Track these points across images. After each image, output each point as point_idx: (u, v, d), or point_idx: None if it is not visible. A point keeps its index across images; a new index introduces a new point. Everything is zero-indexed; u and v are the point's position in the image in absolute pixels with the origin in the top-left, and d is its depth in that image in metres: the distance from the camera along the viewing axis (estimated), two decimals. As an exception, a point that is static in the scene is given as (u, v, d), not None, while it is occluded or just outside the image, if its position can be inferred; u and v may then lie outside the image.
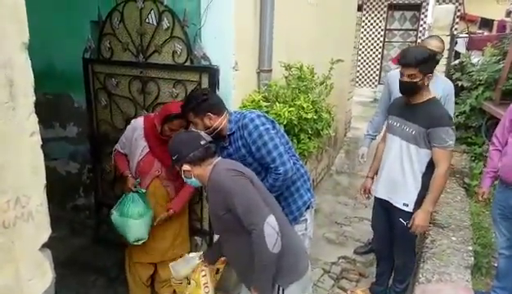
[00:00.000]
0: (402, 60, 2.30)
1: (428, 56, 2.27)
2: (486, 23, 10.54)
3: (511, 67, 5.06)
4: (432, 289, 2.40)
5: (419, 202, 2.42)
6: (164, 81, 2.72)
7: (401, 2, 11.25)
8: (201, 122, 2.09)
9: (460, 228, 3.15)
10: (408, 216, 2.45)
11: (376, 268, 2.98)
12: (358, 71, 11.29)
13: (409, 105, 2.43)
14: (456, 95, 3.17)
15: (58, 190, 3.46)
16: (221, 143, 2.17)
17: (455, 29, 9.27)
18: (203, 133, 2.04)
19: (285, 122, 2.56)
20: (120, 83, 2.92)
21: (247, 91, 2.71)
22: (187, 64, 2.59)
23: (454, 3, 9.98)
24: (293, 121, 2.63)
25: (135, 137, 2.47)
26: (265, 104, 2.62)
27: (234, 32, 2.49)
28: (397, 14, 11.48)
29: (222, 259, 2.15)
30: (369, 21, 11.72)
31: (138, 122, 2.49)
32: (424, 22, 10.75)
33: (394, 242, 2.68)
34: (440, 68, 4.61)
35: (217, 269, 2.17)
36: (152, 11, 2.61)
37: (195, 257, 2.16)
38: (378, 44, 11.86)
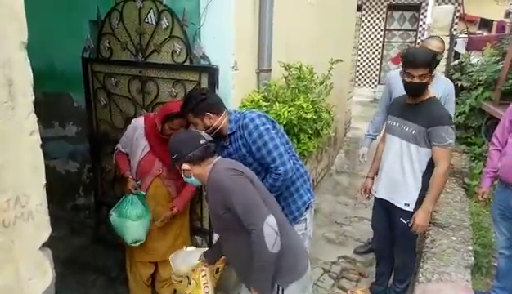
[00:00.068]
0: (414, 61, 2.26)
1: (433, 56, 2.30)
2: (485, 23, 10.55)
3: (510, 67, 5.07)
4: (432, 289, 2.40)
5: (419, 202, 2.43)
6: (164, 80, 2.72)
7: (400, 2, 11.26)
8: (201, 122, 2.08)
9: (460, 228, 3.15)
10: (409, 215, 2.45)
11: (376, 268, 2.98)
12: (358, 71, 11.29)
13: (409, 105, 2.43)
14: (456, 95, 3.17)
15: (58, 190, 3.46)
16: (221, 142, 2.17)
17: (455, 30, 9.28)
18: (203, 133, 2.04)
19: (284, 122, 2.56)
20: (119, 83, 2.92)
21: (246, 90, 2.71)
22: (187, 63, 2.59)
23: (453, 4, 9.98)
24: (292, 121, 2.63)
25: (136, 136, 2.47)
26: (264, 103, 2.62)
27: (233, 31, 2.48)
28: (397, 14, 11.48)
29: (222, 258, 2.15)
30: (368, 21, 11.72)
31: (139, 122, 2.49)
32: (424, 22, 10.76)
33: (395, 241, 2.68)
34: (440, 68, 4.60)
35: (217, 269, 2.17)
36: (151, 11, 2.61)
37: (194, 252, 2.18)
38: (377, 44, 11.86)
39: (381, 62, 11.94)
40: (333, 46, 4.51)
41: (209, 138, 2.05)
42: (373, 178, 2.81)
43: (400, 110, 2.50)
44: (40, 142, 1.09)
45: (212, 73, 2.52)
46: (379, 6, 11.57)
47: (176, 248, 2.59)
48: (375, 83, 11.87)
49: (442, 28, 6.30)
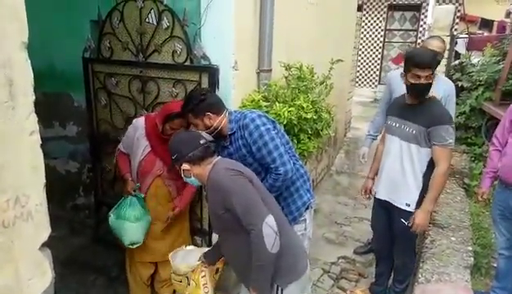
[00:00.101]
0: (421, 63, 2.24)
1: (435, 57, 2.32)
2: (486, 23, 10.54)
3: (511, 67, 5.06)
4: (431, 289, 2.40)
5: (420, 202, 2.43)
6: (164, 80, 2.72)
7: (401, 2, 11.25)
8: (202, 123, 2.08)
9: (460, 228, 3.15)
10: (410, 215, 2.45)
11: (376, 268, 2.98)
12: (358, 71, 11.29)
13: (409, 105, 2.43)
14: (456, 95, 3.17)
15: (58, 189, 3.46)
16: (221, 142, 2.17)
17: (455, 30, 9.27)
18: (204, 133, 2.04)
19: (284, 122, 2.56)
20: (120, 83, 2.92)
21: (247, 90, 2.71)
22: (187, 63, 2.59)
23: (454, 4, 9.97)
24: (292, 121, 2.63)
25: (137, 137, 2.47)
26: (265, 103, 2.62)
27: (234, 31, 2.48)
28: (397, 14, 11.47)
29: (222, 258, 2.15)
30: (369, 21, 11.72)
31: (140, 122, 2.50)
32: (424, 22, 10.75)
33: (395, 242, 2.68)
34: (440, 68, 4.61)
35: (217, 269, 2.17)
36: (152, 11, 2.61)
37: (193, 251, 2.18)
38: (378, 44, 11.85)
39: (381, 62, 11.93)
40: (333, 46, 4.51)
41: (210, 138, 2.06)
42: (373, 178, 2.81)
43: (399, 111, 2.49)
44: (40, 142, 1.09)
45: (212, 73, 2.52)
46: (379, 6, 11.56)
47: (176, 248, 2.60)
48: (376, 83, 11.87)
49: (442, 29, 6.30)
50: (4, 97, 0.97)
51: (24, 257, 1.08)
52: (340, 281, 3.21)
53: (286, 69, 2.97)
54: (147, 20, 2.65)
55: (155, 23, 2.62)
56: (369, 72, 12.23)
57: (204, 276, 2.05)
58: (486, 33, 9.62)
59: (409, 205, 2.47)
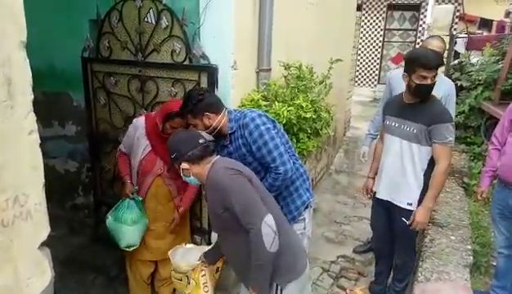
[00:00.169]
0: (428, 63, 2.24)
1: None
2: (485, 23, 10.53)
3: (510, 67, 5.06)
4: (431, 288, 2.40)
5: (421, 201, 2.43)
6: (163, 80, 2.72)
7: (400, 2, 11.26)
8: (201, 123, 2.08)
9: (459, 227, 3.15)
10: (411, 214, 2.45)
11: (375, 267, 2.99)
12: (358, 71, 11.29)
13: (408, 104, 2.43)
14: (456, 95, 3.17)
15: (57, 189, 3.46)
16: (221, 141, 2.17)
17: (455, 29, 9.28)
18: (204, 133, 2.04)
19: (284, 122, 2.56)
20: (119, 82, 2.92)
21: (246, 90, 2.71)
22: (186, 63, 2.59)
23: (453, 3, 9.99)
24: (292, 120, 2.63)
25: (137, 136, 2.47)
26: (264, 103, 2.62)
27: (233, 31, 2.48)
28: (397, 14, 11.48)
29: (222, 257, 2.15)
30: (368, 21, 11.72)
31: (140, 121, 2.50)
32: (424, 22, 10.76)
33: (395, 241, 2.68)
34: (440, 68, 4.61)
35: (217, 268, 2.17)
36: (151, 10, 2.61)
37: (193, 249, 2.19)
38: (377, 44, 11.87)
39: (381, 62, 11.95)
40: (333, 45, 4.51)
41: (210, 138, 2.05)
42: (374, 178, 2.81)
43: (398, 110, 2.49)
44: (39, 141, 1.09)
45: (211, 72, 2.52)
46: (379, 6, 11.57)
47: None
48: (375, 83, 11.88)
49: (441, 28, 6.32)
50: (3, 96, 0.97)
51: (24, 256, 1.08)
52: (340, 280, 3.21)
53: (286, 69, 2.97)
54: (146, 19, 2.65)
55: (154, 22, 2.62)
56: (368, 71, 12.24)
57: (204, 275, 2.05)
58: (485, 33, 9.61)
59: (411, 204, 2.47)
